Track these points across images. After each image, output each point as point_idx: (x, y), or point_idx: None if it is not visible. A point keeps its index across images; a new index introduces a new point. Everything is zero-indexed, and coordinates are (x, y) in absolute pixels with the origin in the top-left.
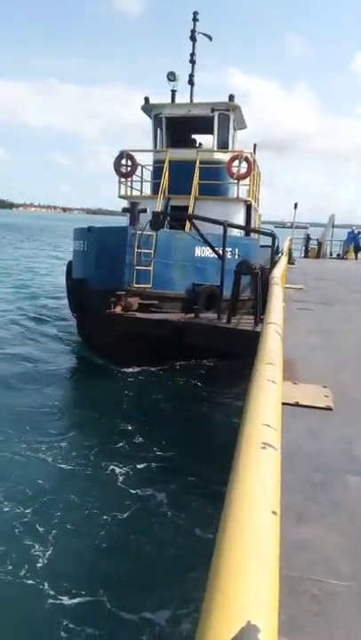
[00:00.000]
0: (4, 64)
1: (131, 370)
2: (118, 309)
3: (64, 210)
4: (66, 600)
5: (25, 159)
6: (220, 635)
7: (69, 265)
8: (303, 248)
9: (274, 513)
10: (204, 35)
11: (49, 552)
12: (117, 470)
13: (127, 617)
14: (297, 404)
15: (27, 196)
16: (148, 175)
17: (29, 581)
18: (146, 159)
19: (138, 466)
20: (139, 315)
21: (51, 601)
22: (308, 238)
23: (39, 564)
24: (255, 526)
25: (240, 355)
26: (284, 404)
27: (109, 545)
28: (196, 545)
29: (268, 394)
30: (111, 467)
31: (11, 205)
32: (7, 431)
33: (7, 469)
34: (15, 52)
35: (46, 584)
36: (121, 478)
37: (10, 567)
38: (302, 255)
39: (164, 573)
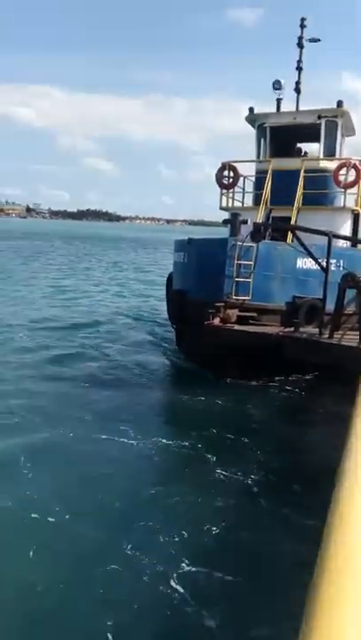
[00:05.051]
0: (112, 80)
1: (228, 381)
2: (217, 321)
3: (167, 222)
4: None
5: (131, 173)
6: None
7: (170, 276)
8: None
9: None
10: (312, 40)
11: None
12: (208, 477)
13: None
14: None
15: (133, 209)
16: (249, 186)
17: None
18: (249, 170)
19: (230, 476)
20: (237, 327)
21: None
22: None
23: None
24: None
25: (343, 372)
26: None
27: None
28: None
29: None
30: (203, 471)
31: (117, 218)
32: (104, 427)
33: (97, 464)
34: (122, 66)
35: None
36: (213, 484)
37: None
38: None
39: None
